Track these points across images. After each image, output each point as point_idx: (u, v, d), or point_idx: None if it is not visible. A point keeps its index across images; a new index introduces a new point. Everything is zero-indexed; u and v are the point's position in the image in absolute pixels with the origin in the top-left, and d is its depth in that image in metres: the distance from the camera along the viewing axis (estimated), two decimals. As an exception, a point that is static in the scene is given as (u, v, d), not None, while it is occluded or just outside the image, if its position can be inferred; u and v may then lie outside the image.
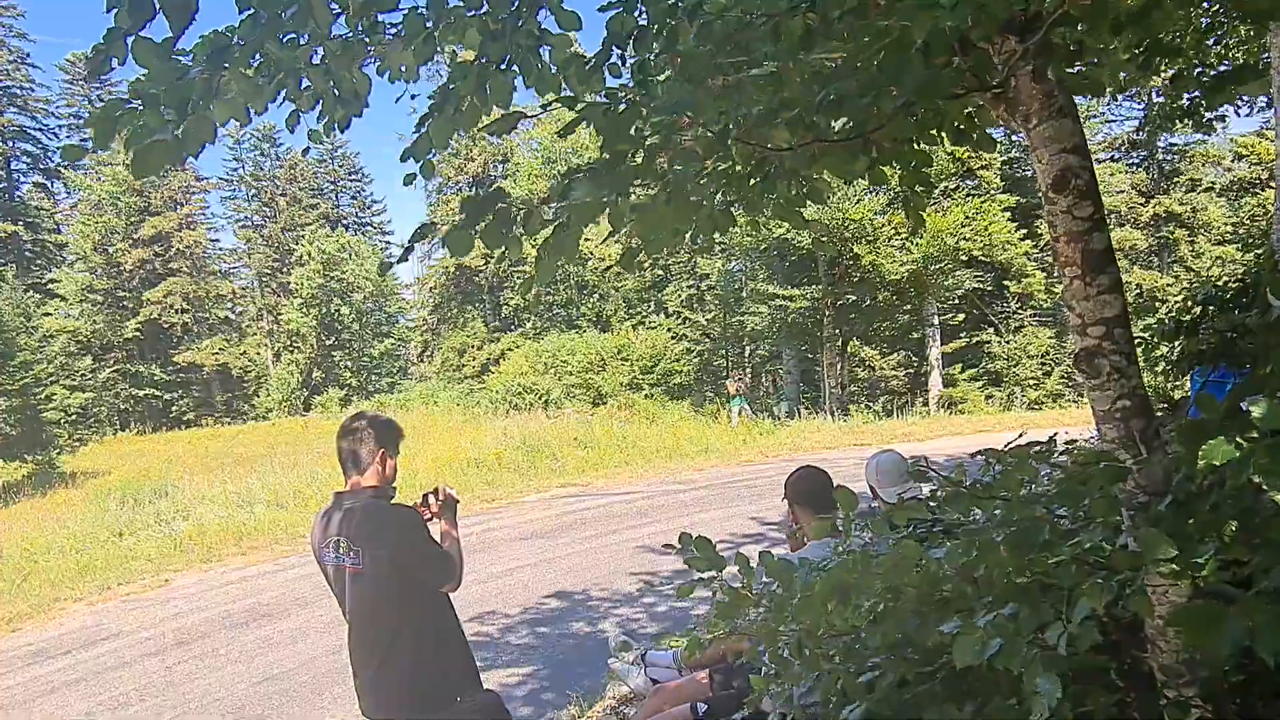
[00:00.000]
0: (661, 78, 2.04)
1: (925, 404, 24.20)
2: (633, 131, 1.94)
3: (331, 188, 61.90)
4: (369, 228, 63.68)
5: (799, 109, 1.88)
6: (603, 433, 20.26)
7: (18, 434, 34.90)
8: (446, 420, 28.77)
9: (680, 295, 31.60)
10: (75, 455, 36.80)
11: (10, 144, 55.56)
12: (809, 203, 2.47)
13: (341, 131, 2.15)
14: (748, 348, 30.79)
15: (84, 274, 50.52)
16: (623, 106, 1.95)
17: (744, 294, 27.84)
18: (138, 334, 49.69)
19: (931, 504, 2.01)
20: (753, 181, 2.21)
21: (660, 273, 32.05)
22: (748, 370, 30.86)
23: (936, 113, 2.05)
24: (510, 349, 41.06)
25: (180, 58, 1.77)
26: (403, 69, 2.04)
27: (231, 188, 58.53)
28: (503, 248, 2.00)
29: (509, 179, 45.51)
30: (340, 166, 61.97)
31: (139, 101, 1.77)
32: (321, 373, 49.67)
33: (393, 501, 3.46)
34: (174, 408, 50.68)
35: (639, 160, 1.97)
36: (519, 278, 44.58)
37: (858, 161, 2.13)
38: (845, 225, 21.76)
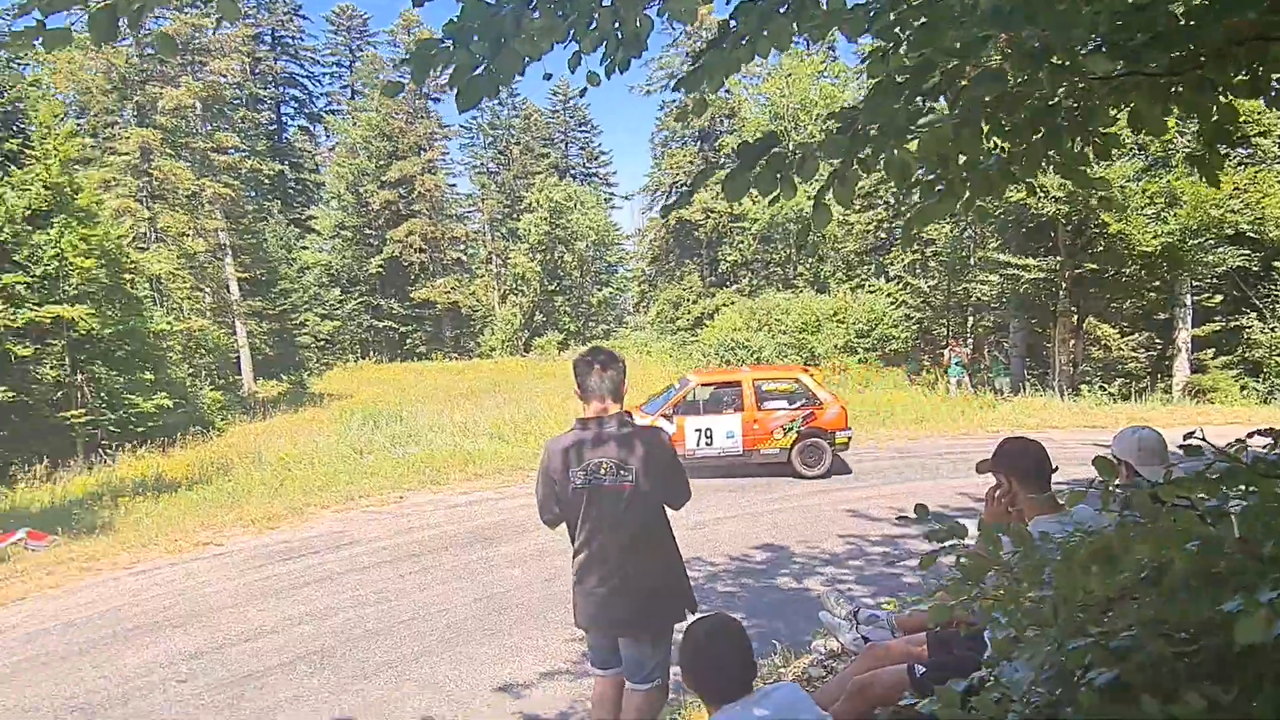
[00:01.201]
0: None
1: (1167, 390, 22.27)
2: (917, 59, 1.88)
3: (562, 138, 63.83)
4: (595, 178, 65.37)
5: (1126, 34, 1.76)
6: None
7: (275, 355, 38.67)
8: (659, 369, 29.38)
9: (903, 260, 30.52)
10: (322, 378, 40.38)
11: (281, 90, 60.87)
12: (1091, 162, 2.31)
13: (621, 73, 2.22)
14: (971, 318, 29.41)
15: (337, 212, 54.86)
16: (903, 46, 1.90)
17: (971, 261, 26.54)
18: (380, 270, 53.50)
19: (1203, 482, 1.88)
20: (1035, 136, 2.11)
21: (883, 236, 31.07)
22: (969, 341, 29.52)
23: (1260, 60, 1.88)
24: (725, 304, 41.20)
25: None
26: (682, 10, 2.09)
27: (470, 135, 61.58)
28: (776, 192, 2.01)
29: (734, 134, 45.33)
30: (571, 118, 63.76)
31: (451, 41, 1.92)
32: (543, 316, 51.76)
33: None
34: (408, 340, 54.37)
35: (935, 79, 1.91)
36: (737, 233, 44.53)
37: (1161, 105, 1.98)
38: (1091, 192, 20.20)
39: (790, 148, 1.92)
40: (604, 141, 65.88)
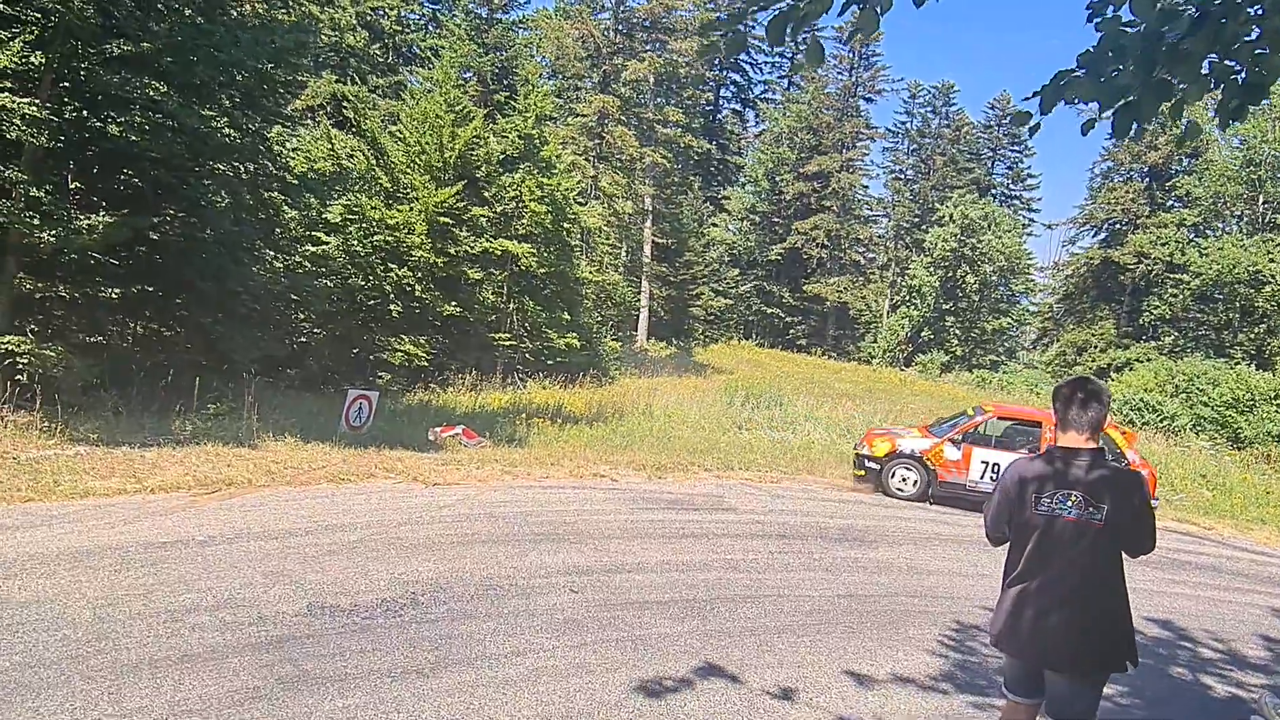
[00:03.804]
0: None
1: None
2: None
3: (990, 154, 61.00)
4: (1016, 201, 61.91)
5: None
6: (1239, 478, 17.58)
7: (669, 320, 41.16)
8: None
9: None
10: (706, 350, 42.34)
11: (724, 73, 63.94)
12: None
13: (1238, 122, 2.12)
14: None
15: (751, 195, 56.84)
16: None
17: None
18: (779, 258, 54.81)
19: None
20: None
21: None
22: None
23: None
24: (1139, 360, 37.44)
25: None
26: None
27: (895, 139, 60.77)
28: None
29: (1194, 175, 40.61)
30: (1005, 134, 60.66)
31: (1084, 70, 1.93)
32: (930, 333, 50.18)
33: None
34: (791, 330, 55.29)
35: None
36: (1171, 284, 39.98)
37: None
38: None
39: None
40: (1034, 164, 61.91)
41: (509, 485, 10.19)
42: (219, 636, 5.06)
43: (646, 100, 38.00)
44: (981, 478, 12.18)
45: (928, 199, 56.53)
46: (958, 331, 50.04)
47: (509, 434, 14.00)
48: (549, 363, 24.77)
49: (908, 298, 52.69)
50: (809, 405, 21.39)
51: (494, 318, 24.20)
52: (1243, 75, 2.03)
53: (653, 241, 38.97)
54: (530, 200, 24.11)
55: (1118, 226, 46.57)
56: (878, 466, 12.78)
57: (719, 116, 63.84)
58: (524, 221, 24.37)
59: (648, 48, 36.97)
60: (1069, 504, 3.48)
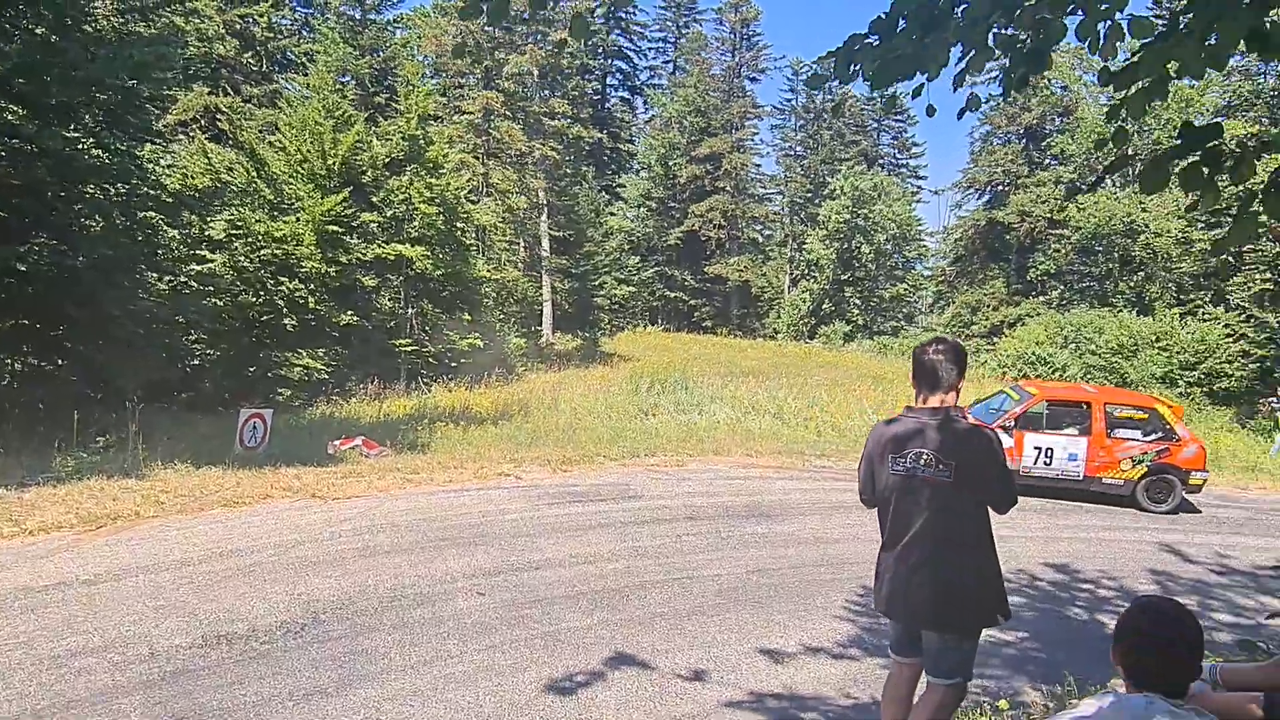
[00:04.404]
0: None
1: None
2: None
3: (875, 126, 62.35)
4: (904, 169, 63.53)
5: None
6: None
7: (573, 312, 41.06)
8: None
9: (1250, 288, 27.11)
10: (613, 339, 42.40)
11: (609, 61, 63.92)
12: None
13: (1019, 91, 2.20)
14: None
15: (645, 182, 57.02)
16: None
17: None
18: (679, 242, 55.17)
19: None
20: None
21: (1230, 259, 27.76)
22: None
23: None
24: (1029, 315, 38.89)
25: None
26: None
27: (783, 117, 61.68)
28: (1197, 192, 1.88)
29: (1066, 134, 42.28)
30: (887, 105, 62.05)
31: (876, 36, 1.97)
32: (831, 305, 51.20)
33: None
34: (696, 313, 55.78)
35: None
36: (1054, 241, 41.60)
37: None
38: None
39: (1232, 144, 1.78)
40: (918, 132, 63.58)
41: (411, 493, 10.06)
42: (108, 678, 4.89)
43: (532, 93, 37.75)
44: (1035, 463, 11.98)
45: (818, 173, 57.53)
46: (857, 301, 51.13)
47: (411, 441, 13.81)
48: (453, 365, 24.51)
49: (807, 272, 53.63)
50: (715, 386, 21.63)
51: (393, 324, 23.82)
52: (1027, 43, 2.10)
53: (550, 235, 38.78)
54: (420, 202, 23.75)
55: (1000, 188, 48.18)
56: None
57: (607, 105, 63.84)
58: (416, 224, 24.00)
59: (529, 40, 36.72)
60: (921, 463, 3.54)
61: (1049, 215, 42.00)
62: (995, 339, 38.72)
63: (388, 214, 23.53)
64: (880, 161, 61.24)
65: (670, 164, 55.08)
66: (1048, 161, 45.71)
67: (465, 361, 24.72)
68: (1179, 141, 1.87)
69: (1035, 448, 11.95)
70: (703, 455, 13.65)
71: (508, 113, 35.56)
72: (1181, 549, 9.60)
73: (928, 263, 56.74)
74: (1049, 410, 12.39)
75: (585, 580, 7.23)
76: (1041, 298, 43.20)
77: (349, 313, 21.66)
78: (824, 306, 51.30)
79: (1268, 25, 1.83)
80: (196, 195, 17.09)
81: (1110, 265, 38.77)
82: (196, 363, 18.38)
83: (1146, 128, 35.29)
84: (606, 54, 62.89)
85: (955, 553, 3.57)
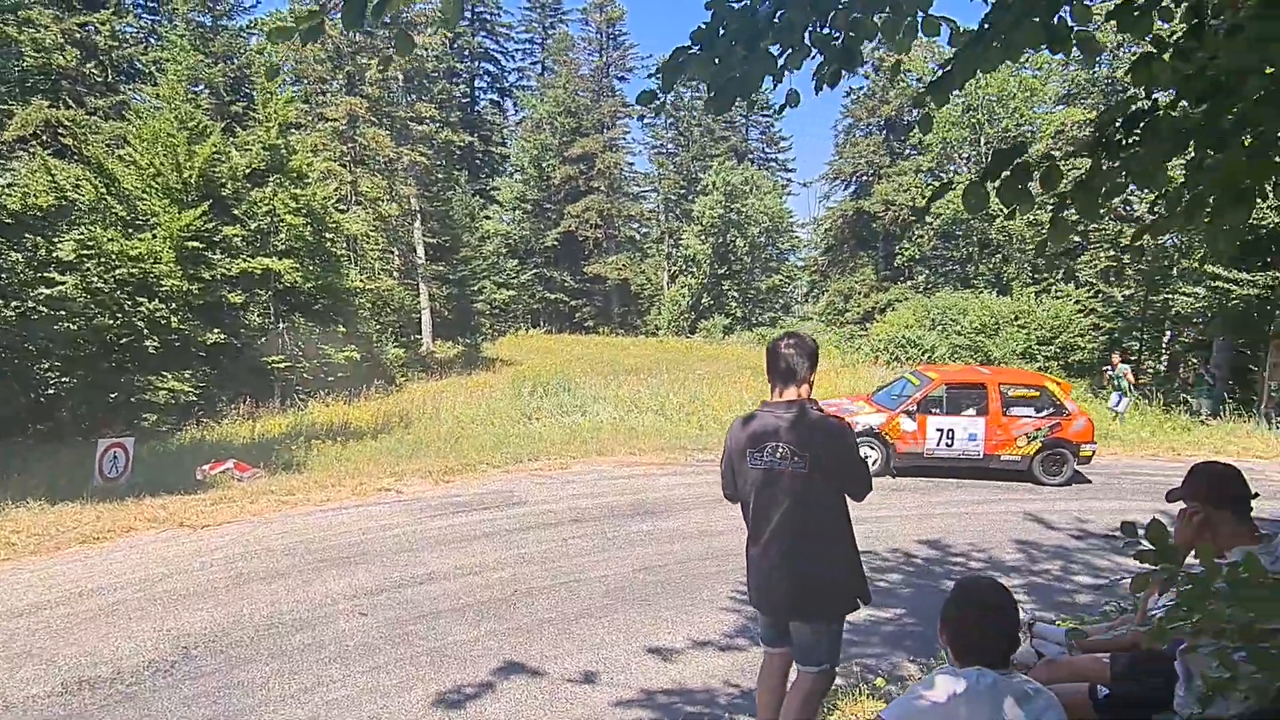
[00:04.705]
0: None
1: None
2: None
3: (743, 121, 63.44)
4: (773, 163, 64.83)
5: None
6: (987, 398, 19.24)
7: (453, 319, 40.45)
8: (824, 362, 28.91)
9: (1097, 265, 28.76)
10: (495, 344, 41.97)
11: (476, 64, 63.17)
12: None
13: (831, 88, 2.28)
14: (1169, 333, 27.45)
15: (519, 184, 56.62)
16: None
17: (1174, 271, 24.74)
18: (556, 243, 55.02)
19: None
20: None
21: (1077, 239, 29.38)
22: (1163, 358, 27.57)
23: None
24: (898, 300, 40.19)
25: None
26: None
27: (652, 115, 62.12)
28: (1014, 205, 1.99)
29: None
30: (752, 100, 63.24)
31: (699, 46, 2.01)
32: (710, 299, 51.88)
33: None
34: (577, 313, 55.76)
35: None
36: (917, 229, 43.21)
37: None
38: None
39: (1035, 157, 1.90)
40: (785, 126, 65.11)
41: (287, 515, 9.74)
42: (-45, 738, 4.59)
43: (398, 98, 36.97)
44: (938, 444, 12.44)
45: (690, 170, 58.23)
46: (735, 294, 51.96)
47: (287, 460, 13.38)
48: (330, 379, 23.79)
49: (684, 267, 54.20)
50: (598, 386, 21.66)
51: (264, 340, 22.96)
52: (840, 41, 2.17)
53: (425, 242, 38.10)
54: (286, 213, 22.98)
55: (864, 178, 49.79)
56: None
57: (477, 108, 63.06)
58: (282, 236, 23.21)
59: (392, 45, 35.91)
60: (777, 455, 3.61)
61: (911, 203, 43.63)
62: (868, 325, 39.94)
63: (252, 227, 22.67)
64: (750, 156, 62.34)
65: (544, 165, 54.87)
66: (908, 151, 47.43)
67: (343, 375, 24.05)
68: (990, 163, 1.99)
69: (937, 430, 12.48)
70: (587, 456, 13.66)
71: (373, 119, 34.72)
72: (1044, 517, 10.15)
73: (800, 254, 58.12)
74: (948, 393, 12.88)
75: (471, 591, 7.15)
76: (909, 283, 44.80)
77: (216, 331, 20.81)
78: (703, 301, 51.96)
79: (1056, 23, 1.97)
80: (40, 215, 16.11)
81: (970, 249, 40.51)
82: (51, 391, 17.34)
83: (997, 117, 37.10)
84: (473, 56, 62.14)
85: (812, 544, 3.65)
